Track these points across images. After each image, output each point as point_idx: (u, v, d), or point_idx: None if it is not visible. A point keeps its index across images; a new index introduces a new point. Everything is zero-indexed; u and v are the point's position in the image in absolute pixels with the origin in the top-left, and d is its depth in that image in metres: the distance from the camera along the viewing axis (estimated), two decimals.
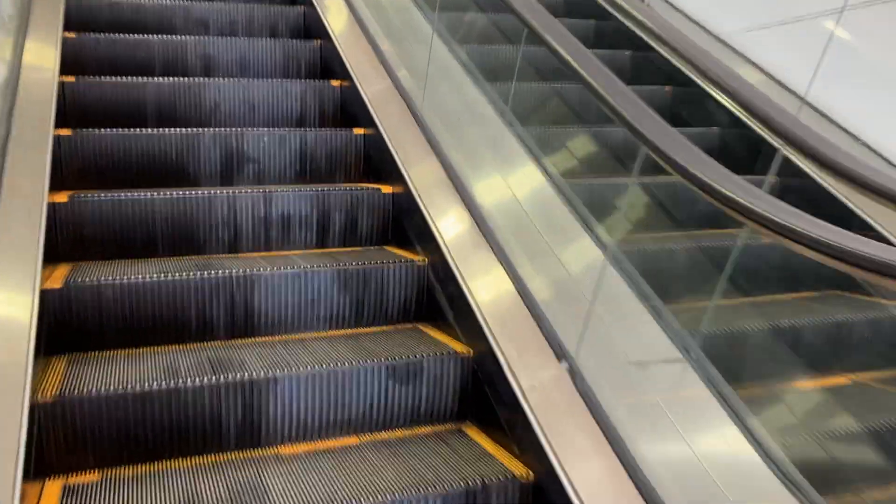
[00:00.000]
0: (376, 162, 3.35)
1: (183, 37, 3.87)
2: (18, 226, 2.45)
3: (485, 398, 2.39)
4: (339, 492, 2.02)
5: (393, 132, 3.22)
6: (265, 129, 3.37)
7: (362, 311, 2.78)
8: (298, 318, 2.70)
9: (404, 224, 3.05)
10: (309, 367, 2.31)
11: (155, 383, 2.16)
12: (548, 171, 2.77)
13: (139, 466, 2.16)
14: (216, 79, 3.61)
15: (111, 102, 3.45)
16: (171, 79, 3.53)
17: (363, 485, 2.06)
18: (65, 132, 3.07)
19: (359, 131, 3.45)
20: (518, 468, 2.15)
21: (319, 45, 4.08)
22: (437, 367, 2.43)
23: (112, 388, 2.12)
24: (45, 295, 2.36)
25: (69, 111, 3.32)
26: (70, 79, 3.37)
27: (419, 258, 2.82)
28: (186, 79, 3.56)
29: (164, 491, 2.02)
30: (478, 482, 2.07)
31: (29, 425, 1.88)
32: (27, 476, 1.83)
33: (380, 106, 3.39)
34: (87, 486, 2.06)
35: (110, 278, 2.48)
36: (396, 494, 2.01)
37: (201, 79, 3.59)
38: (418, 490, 2.03)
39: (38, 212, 2.54)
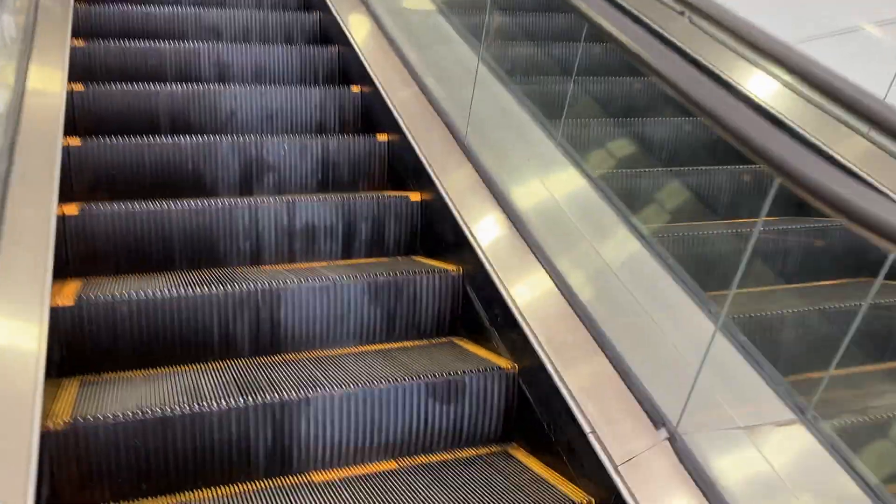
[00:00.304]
0: (402, 169, 3.17)
1: (196, 43, 3.71)
2: (26, 239, 2.27)
3: (533, 419, 2.20)
4: None
5: (422, 137, 3.04)
6: (285, 136, 3.20)
7: (394, 324, 2.59)
8: (327, 334, 2.51)
9: (435, 233, 2.86)
10: (343, 387, 2.12)
11: (177, 407, 1.98)
12: (592, 178, 2.59)
13: (160, 499, 1.97)
14: (231, 86, 3.44)
15: (122, 112, 3.29)
16: (184, 86, 3.37)
17: None
18: (74, 142, 2.90)
19: (382, 137, 3.27)
20: (580, 495, 1.95)
21: (338, 51, 3.92)
22: (480, 384, 2.24)
23: (129, 412, 1.94)
24: (55, 313, 2.18)
25: (78, 120, 3.16)
26: (79, 87, 3.21)
27: (453, 268, 2.63)
28: (200, 86, 3.39)
29: None
30: None
31: (39, 454, 1.69)
32: None
33: (406, 111, 3.21)
34: None
35: (125, 294, 2.30)
36: None
37: (216, 86, 3.42)
38: None
39: (46, 224, 2.35)
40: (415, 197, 2.95)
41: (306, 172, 3.18)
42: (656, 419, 1.84)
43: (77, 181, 2.89)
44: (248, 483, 2.05)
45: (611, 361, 2.02)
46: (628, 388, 1.95)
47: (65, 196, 2.64)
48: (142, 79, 3.42)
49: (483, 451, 2.26)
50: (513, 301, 2.31)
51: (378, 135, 3.29)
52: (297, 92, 3.52)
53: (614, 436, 1.88)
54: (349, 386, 2.13)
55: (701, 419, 1.80)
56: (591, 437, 1.89)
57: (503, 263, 2.43)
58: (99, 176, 2.93)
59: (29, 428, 1.71)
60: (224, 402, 2.01)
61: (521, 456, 2.21)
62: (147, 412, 1.95)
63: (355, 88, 3.60)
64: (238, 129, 3.42)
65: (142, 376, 2.26)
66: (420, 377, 2.19)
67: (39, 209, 2.39)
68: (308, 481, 2.07)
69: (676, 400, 1.82)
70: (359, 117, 3.58)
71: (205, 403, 1.99)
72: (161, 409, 1.96)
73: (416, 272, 2.60)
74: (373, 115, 3.49)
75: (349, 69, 3.82)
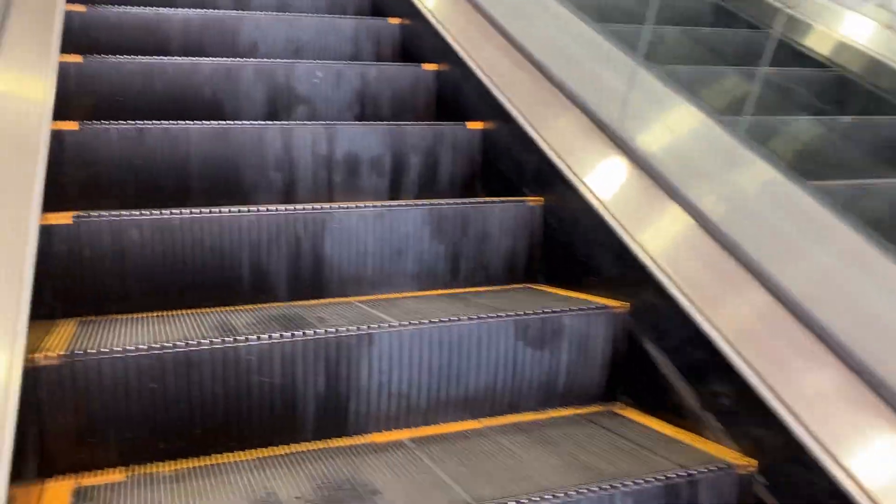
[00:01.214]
0: (454, 101, 2.73)
1: None
2: (10, 156, 1.81)
3: (651, 371, 1.74)
4: (482, 488, 1.36)
5: (485, 64, 2.58)
6: (317, 62, 2.75)
7: (458, 265, 2.14)
8: (381, 274, 2.06)
9: (501, 167, 2.42)
10: (413, 324, 1.66)
11: (205, 341, 1.52)
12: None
13: (182, 462, 1.51)
14: (254, 13, 3.01)
15: (128, 39, 2.85)
16: (200, 11, 2.93)
17: (513, 480, 1.41)
18: (74, 59, 2.46)
19: (430, 67, 2.83)
20: (734, 455, 1.49)
21: None
22: (582, 324, 1.79)
23: (144, 346, 1.48)
24: (47, 233, 1.74)
25: (78, 42, 2.71)
26: (80, 8, 2.77)
27: (531, 199, 2.19)
28: (218, 12, 2.96)
29: (223, 492, 1.37)
30: (681, 474, 1.42)
31: (24, 400, 1.24)
32: (17, 477, 1.17)
33: (463, 36, 2.76)
34: (110, 487, 1.40)
35: (136, 213, 1.85)
36: (570, 494, 1.35)
37: (236, 12, 2.99)
38: (598, 487, 1.37)
39: (36, 141, 1.90)
40: (473, 125, 2.50)
41: (342, 105, 2.74)
42: None
43: (76, 104, 2.44)
44: (294, 444, 1.59)
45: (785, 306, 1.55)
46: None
47: (61, 116, 2.20)
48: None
49: (583, 410, 1.80)
50: (628, 233, 1.84)
51: (425, 64, 2.85)
52: (329, 22, 3.08)
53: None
54: (421, 322, 1.67)
55: None
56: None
57: (612, 192, 1.97)
58: (101, 100, 2.49)
59: (7, 361, 1.26)
60: (265, 337, 1.55)
61: (636, 416, 1.75)
62: (166, 346, 1.49)
63: (394, 20, 3.16)
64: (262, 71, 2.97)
65: (157, 317, 1.80)
66: (507, 315, 1.74)
67: (28, 121, 1.94)
68: (370, 442, 1.61)
69: None
70: (398, 53, 3.14)
71: (240, 338, 1.54)
72: (184, 342, 1.51)
73: (486, 202, 2.15)
74: (417, 47, 3.05)
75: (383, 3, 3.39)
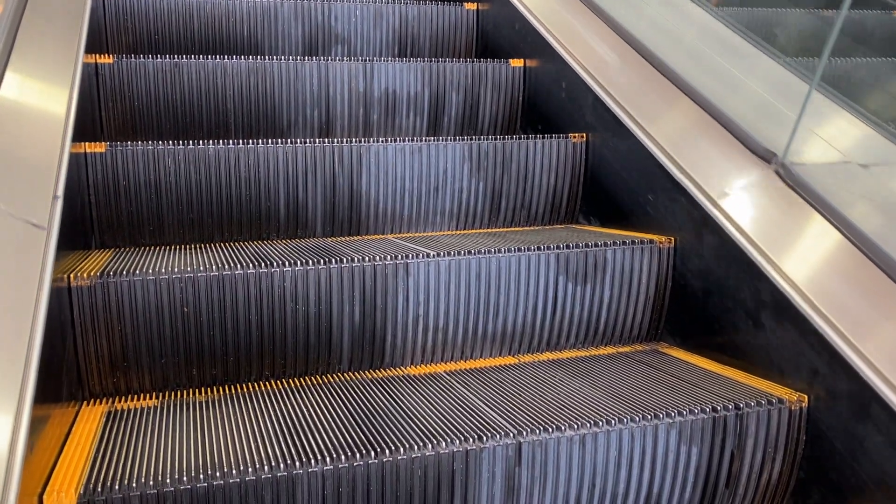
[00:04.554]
0: (496, 40, 2.65)
1: None
2: (50, 82, 1.79)
3: (696, 308, 1.68)
4: (519, 414, 1.32)
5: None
6: (356, 1, 2.69)
7: (499, 203, 2.08)
8: (418, 211, 2.01)
9: (544, 103, 2.34)
10: (450, 255, 1.61)
11: (238, 266, 1.49)
12: None
13: (215, 391, 1.49)
14: None
15: None
16: None
17: (551, 408, 1.36)
18: None
19: (471, 6, 2.75)
20: (780, 390, 1.43)
21: None
22: (626, 259, 1.72)
23: (177, 270, 1.45)
24: (79, 160, 1.71)
25: None
26: None
27: (575, 136, 2.11)
28: None
29: (253, 415, 1.34)
30: (729, 406, 1.35)
31: (53, 318, 1.22)
32: (45, 398, 1.15)
33: None
34: (142, 410, 1.39)
35: (170, 143, 1.82)
36: (612, 422, 1.29)
37: None
38: (641, 417, 1.31)
39: (69, 69, 1.86)
40: (516, 63, 2.42)
41: (380, 45, 2.68)
42: None
43: (112, 39, 2.42)
44: (328, 376, 1.57)
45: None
46: None
47: (96, 49, 2.18)
48: None
49: (626, 348, 1.74)
50: (677, 165, 1.76)
51: (466, 3, 2.76)
52: None
53: None
54: (458, 254, 1.62)
55: None
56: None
57: (662, 125, 1.89)
58: (138, 38, 2.46)
59: (35, 277, 1.23)
60: (299, 264, 1.52)
61: (682, 354, 1.69)
62: (199, 270, 1.46)
63: None
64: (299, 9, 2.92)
65: (192, 249, 1.78)
66: (548, 248, 1.68)
67: (63, 55, 1.91)
68: (407, 374, 1.57)
69: None
70: None
71: (274, 265, 1.51)
72: (218, 267, 1.48)
73: (526, 137, 2.08)
74: None
75: None
